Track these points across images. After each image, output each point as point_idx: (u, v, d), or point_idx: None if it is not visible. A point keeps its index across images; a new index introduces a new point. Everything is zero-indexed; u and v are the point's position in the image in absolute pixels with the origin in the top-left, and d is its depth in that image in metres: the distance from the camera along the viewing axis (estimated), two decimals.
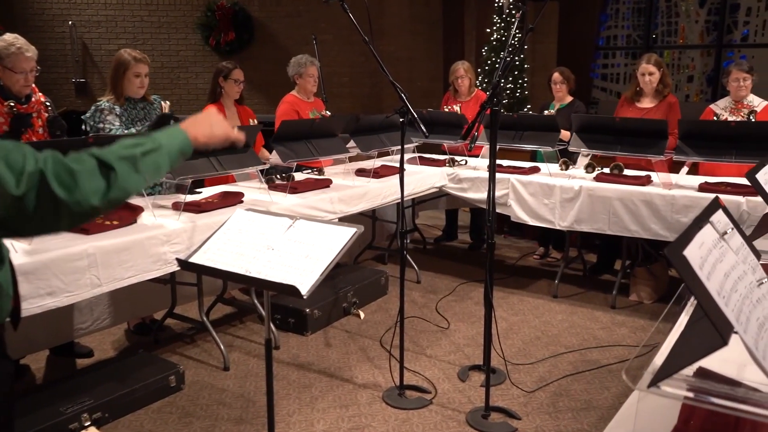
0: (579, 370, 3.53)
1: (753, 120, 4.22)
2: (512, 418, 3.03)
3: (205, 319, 3.72)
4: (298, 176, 4.36)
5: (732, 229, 1.27)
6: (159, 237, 3.02)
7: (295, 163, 4.06)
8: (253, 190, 4.02)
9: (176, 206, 3.40)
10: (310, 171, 4.58)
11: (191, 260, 2.21)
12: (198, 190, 3.91)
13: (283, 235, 2.13)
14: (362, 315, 4.32)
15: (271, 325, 3.91)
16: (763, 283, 1.25)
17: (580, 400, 3.22)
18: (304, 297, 1.90)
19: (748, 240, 1.36)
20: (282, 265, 2.01)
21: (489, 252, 2.97)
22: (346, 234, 2.08)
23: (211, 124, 1.60)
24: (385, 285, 4.73)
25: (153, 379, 3.18)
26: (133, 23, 9.32)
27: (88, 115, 3.70)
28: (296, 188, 3.98)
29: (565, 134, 4.73)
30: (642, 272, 4.60)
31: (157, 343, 3.89)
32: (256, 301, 4.00)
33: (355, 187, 4.23)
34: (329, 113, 4.86)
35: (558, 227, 4.44)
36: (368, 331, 4.09)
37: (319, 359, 3.68)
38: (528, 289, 4.87)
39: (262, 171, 3.97)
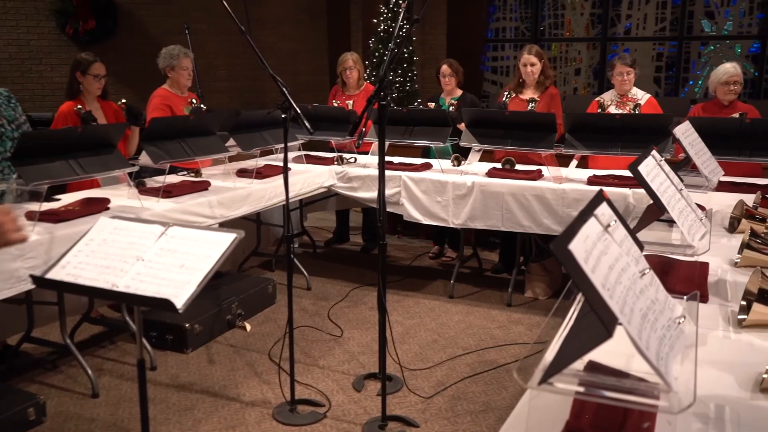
0: (477, 371, 3.65)
1: (638, 113, 4.53)
2: (410, 426, 3.08)
3: (68, 341, 3.53)
4: (172, 179, 4.22)
5: (615, 221, 1.35)
6: (10, 251, 2.82)
7: (169, 165, 3.93)
8: (121, 195, 3.85)
9: (30, 216, 3.19)
10: (185, 173, 4.45)
11: (48, 276, 2.09)
12: (56, 197, 3.69)
13: (154, 244, 2.05)
14: (248, 327, 4.25)
15: (146, 344, 3.79)
16: (645, 273, 1.34)
17: (478, 402, 3.32)
18: (180, 311, 1.84)
19: (632, 232, 1.46)
20: (154, 277, 1.93)
21: (381, 254, 3.01)
22: (226, 240, 2.03)
23: None
24: (272, 294, 4.68)
25: (7, 414, 2.96)
26: None
27: None
28: (170, 192, 3.85)
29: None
30: (536, 268, 4.82)
31: (12, 371, 3.64)
32: (127, 318, 3.84)
33: (236, 189, 4.15)
34: (204, 107, 4.73)
35: (452, 225, 4.56)
36: (255, 344, 4.03)
37: (201, 378, 3.59)
38: (423, 291, 4.97)
39: (131, 174, 3.82)
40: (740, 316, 1.84)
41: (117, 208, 3.53)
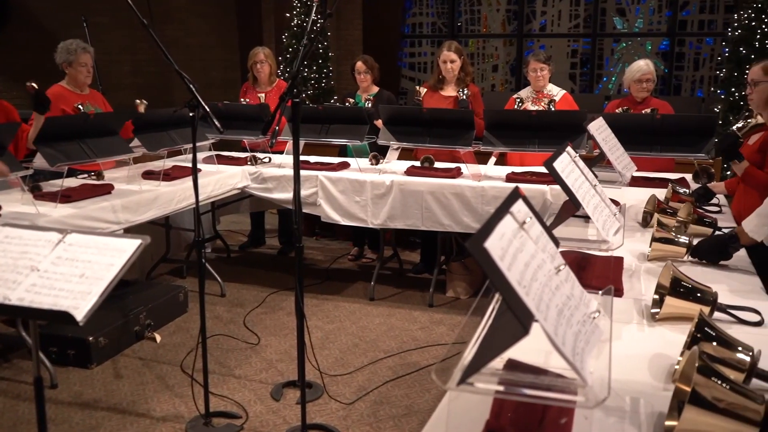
0: (399, 374, 3.68)
1: (552, 109, 4.68)
2: None
3: None
4: (71, 182, 4.06)
5: (531, 218, 1.39)
6: None
7: (67, 167, 3.78)
8: (14, 201, 3.67)
9: None
10: (86, 175, 4.29)
11: None
12: None
13: (50, 253, 1.96)
14: (158, 338, 4.14)
15: (45, 360, 3.63)
16: (561, 270, 1.39)
17: (401, 406, 3.35)
18: (81, 323, 1.77)
19: (548, 228, 1.50)
20: (51, 289, 1.85)
21: (298, 257, 2.99)
22: (130, 247, 1.97)
23: None
24: (183, 302, 4.58)
25: None
26: None
27: None
28: (69, 196, 3.70)
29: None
30: (457, 267, 4.90)
31: None
32: (24, 334, 3.66)
33: (142, 192, 4.04)
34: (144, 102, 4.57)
35: (371, 225, 4.58)
36: (166, 355, 3.93)
37: (107, 394, 3.47)
38: (343, 294, 4.97)
39: (24, 177, 3.64)
40: (653, 310, 1.93)
41: (9, 215, 3.36)
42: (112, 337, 3.89)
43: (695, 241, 2.46)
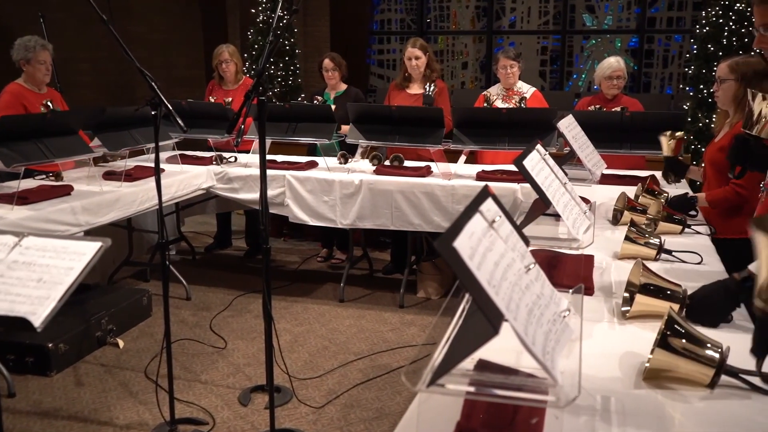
0: (369, 377, 3.68)
1: (523, 106, 4.71)
2: None
3: None
4: (28, 183, 3.98)
5: (501, 217, 1.39)
6: None
7: (23, 168, 3.71)
8: None
9: None
10: (43, 176, 4.21)
11: None
12: None
13: (6, 257, 1.93)
14: (121, 344, 4.09)
15: (2, 368, 3.56)
16: (531, 269, 1.40)
17: (372, 409, 3.35)
18: (39, 329, 1.74)
19: (518, 227, 1.51)
20: (6, 294, 1.82)
21: (265, 258, 2.97)
22: (90, 250, 1.94)
23: None
24: (147, 306, 4.53)
25: None
26: None
27: None
28: (26, 198, 3.63)
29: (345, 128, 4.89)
30: (428, 267, 4.92)
31: None
32: None
33: (103, 193, 3.98)
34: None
35: (340, 226, 4.58)
36: (130, 361, 3.89)
37: (68, 403, 3.42)
38: (312, 296, 4.96)
39: None
40: (624, 308, 1.96)
41: None
42: (72, 343, 3.84)
43: (664, 239, 2.50)
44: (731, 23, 6.27)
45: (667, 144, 3.52)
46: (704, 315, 1.87)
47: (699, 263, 2.42)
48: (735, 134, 2.53)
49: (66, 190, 3.91)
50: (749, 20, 6.07)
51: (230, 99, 5.20)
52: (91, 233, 3.79)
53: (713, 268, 2.39)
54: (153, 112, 2.92)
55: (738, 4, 6.20)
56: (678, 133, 3.47)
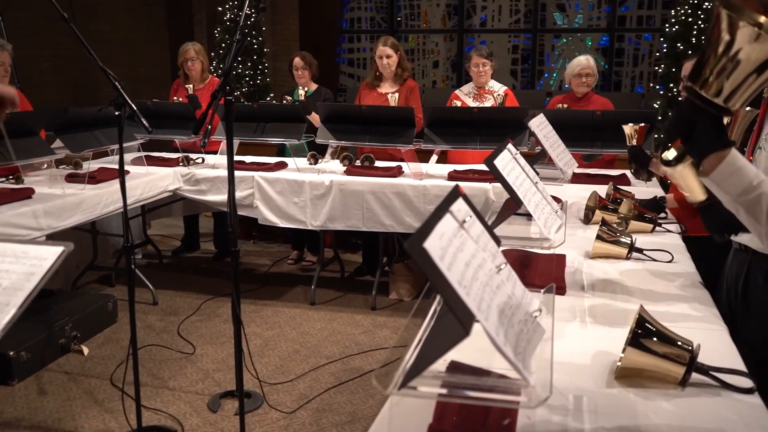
0: (341, 380, 3.68)
1: (492, 106, 4.74)
2: None
3: None
4: None
5: (471, 217, 1.40)
6: None
7: None
8: None
9: None
10: (3, 179, 4.14)
11: None
12: None
13: None
14: (86, 350, 4.04)
15: None
16: (502, 269, 1.41)
17: (344, 413, 3.35)
18: None
19: (489, 227, 1.52)
20: None
21: (234, 261, 2.95)
22: (51, 254, 1.90)
23: None
24: (113, 311, 4.47)
25: None
26: None
27: None
28: None
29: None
30: (400, 268, 4.93)
31: None
32: None
33: (65, 196, 3.92)
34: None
35: (310, 227, 4.56)
36: (95, 369, 3.84)
37: (31, 412, 3.36)
38: (283, 299, 4.94)
39: None
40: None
41: None
42: (35, 350, 3.78)
43: (635, 238, 2.54)
44: (700, 22, 6.38)
45: (629, 133, 3.56)
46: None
47: (670, 261, 2.45)
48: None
49: (27, 193, 3.84)
50: None
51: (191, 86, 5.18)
52: (53, 237, 3.73)
53: (684, 267, 2.43)
54: (117, 113, 2.88)
55: (706, 3, 6.31)
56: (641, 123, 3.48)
